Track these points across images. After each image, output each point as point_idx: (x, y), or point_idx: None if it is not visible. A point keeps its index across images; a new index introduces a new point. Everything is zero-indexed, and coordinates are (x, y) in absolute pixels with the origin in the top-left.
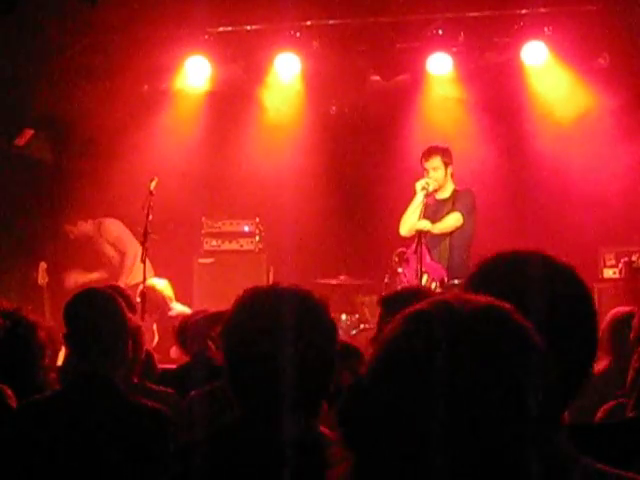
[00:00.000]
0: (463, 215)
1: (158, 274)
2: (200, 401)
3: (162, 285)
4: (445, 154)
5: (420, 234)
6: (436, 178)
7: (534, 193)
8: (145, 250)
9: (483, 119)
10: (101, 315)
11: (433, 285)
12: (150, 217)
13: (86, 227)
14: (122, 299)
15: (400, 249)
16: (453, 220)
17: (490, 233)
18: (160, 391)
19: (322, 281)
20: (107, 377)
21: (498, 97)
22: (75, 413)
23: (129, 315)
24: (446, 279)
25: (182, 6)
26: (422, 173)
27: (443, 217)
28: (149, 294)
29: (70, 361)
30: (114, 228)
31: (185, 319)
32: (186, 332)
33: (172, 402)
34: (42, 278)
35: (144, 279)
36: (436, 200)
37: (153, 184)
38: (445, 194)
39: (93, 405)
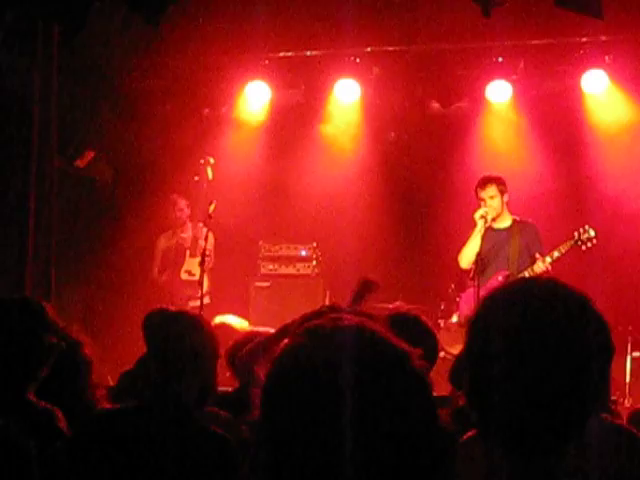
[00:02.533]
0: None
1: (215, 296)
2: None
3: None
4: (500, 182)
5: (477, 262)
6: (494, 207)
7: (594, 221)
8: (202, 272)
9: (542, 147)
10: (187, 335)
11: None
12: (211, 240)
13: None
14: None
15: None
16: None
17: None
18: (217, 414)
19: (378, 306)
20: (182, 400)
21: (558, 125)
22: (148, 431)
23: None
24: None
25: (243, 31)
26: (478, 204)
27: (505, 247)
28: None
29: (145, 377)
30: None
31: (236, 343)
32: (236, 358)
33: (229, 427)
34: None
35: (201, 304)
36: (494, 230)
37: (212, 207)
38: (504, 223)
39: (166, 426)
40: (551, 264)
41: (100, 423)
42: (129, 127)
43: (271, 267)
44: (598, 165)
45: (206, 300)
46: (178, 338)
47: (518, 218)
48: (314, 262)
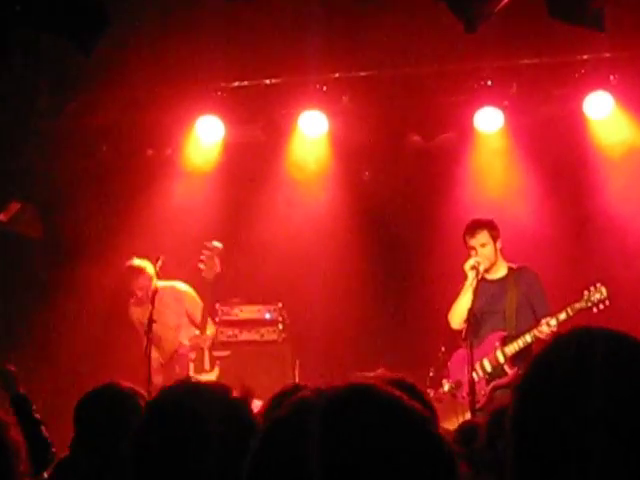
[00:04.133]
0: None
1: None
2: None
3: None
4: (492, 227)
5: (470, 319)
6: (486, 256)
7: (602, 265)
8: (149, 342)
9: (540, 182)
10: (116, 417)
11: (486, 364)
12: (156, 304)
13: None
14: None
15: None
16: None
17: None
18: None
19: (356, 375)
20: None
21: (557, 157)
22: None
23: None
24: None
25: (191, 59)
26: (468, 253)
27: (501, 301)
28: None
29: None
30: None
31: None
32: None
33: None
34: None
35: (149, 377)
36: (488, 282)
37: (158, 264)
38: (499, 274)
39: None
40: (557, 327)
41: None
42: (61, 174)
43: (230, 333)
44: (603, 198)
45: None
46: (105, 419)
47: (515, 266)
48: (280, 326)
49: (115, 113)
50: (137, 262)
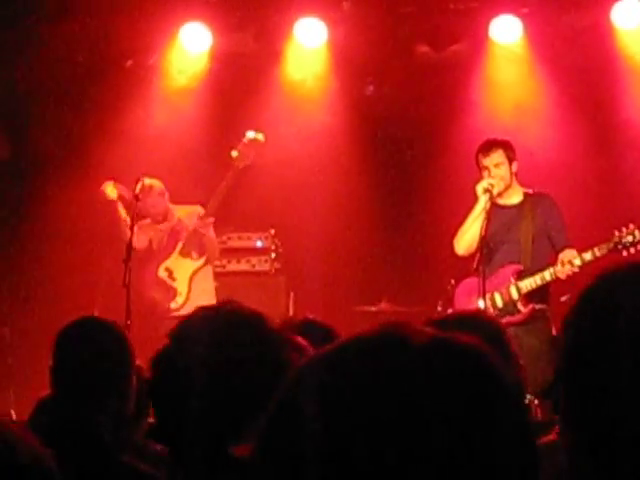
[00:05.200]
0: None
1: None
2: None
3: None
4: (507, 147)
5: (482, 248)
6: (501, 176)
7: (630, 191)
8: (129, 271)
9: (562, 100)
10: (99, 350)
11: (497, 298)
12: (136, 229)
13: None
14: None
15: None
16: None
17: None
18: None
19: (357, 309)
20: (93, 429)
21: (582, 71)
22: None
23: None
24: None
25: None
26: (480, 174)
27: (516, 229)
28: None
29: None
30: None
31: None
32: None
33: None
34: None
35: (128, 308)
36: (501, 207)
37: (139, 186)
38: (514, 199)
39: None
40: (580, 267)
41: None
42: (29, 85)
43: (218, 263)
44: (632, 117)
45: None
46: (84, 355)
47: (531, 191)
48: (273, 255)
49: (90, 18)
50: (148, 180)
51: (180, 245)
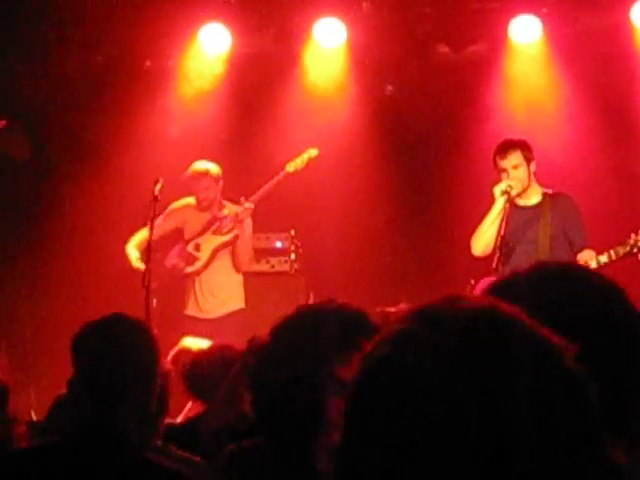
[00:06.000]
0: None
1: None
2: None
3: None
4: (525, 147)
5: (501, 248)
6: (519, 178)
7: None
8: (148, 272)
9: (581, 100)
10: (124, 347)
11: None
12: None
13: None
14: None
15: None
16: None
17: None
18: (186, 459)
19: (376, 310)
20: (120, 431)
21: (600, 71)
22: (74, 474)
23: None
24: None
25: None
26: (498, 176)
27: (533, 229)
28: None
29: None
30: None
31: (196, 359)
32: (198, 377)
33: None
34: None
35: (147, 309)
36: (520, 208)
37: (158, 187)
38: (532, 200)
39: (96, 464)
40: (596, 270)
41: (9, 466)
42: (49, 85)
43: None
44: None
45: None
46: (113, 353)
47: (550, 191)
48: (292, 256)
49: (109, 20)
50: (200, 164)
51: (216, 225)
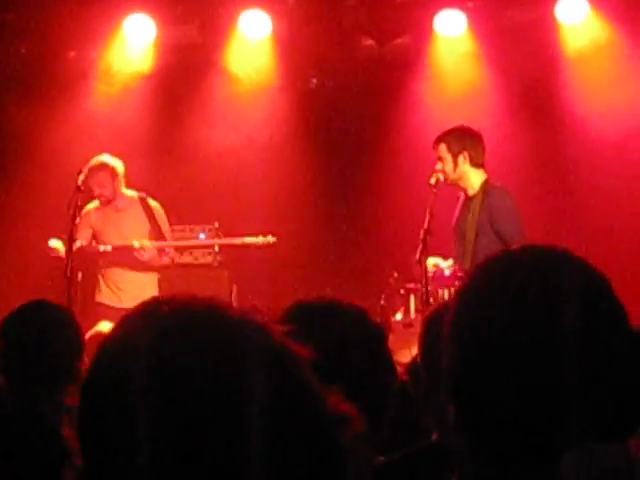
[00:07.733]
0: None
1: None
2: None
3: None
4: (451, 139)
5: (424, 240)
6: (443, 170)
7: (571, 182)
8: (70, 262)
9: (507, 92)
10: (48, 332)
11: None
12: (77, 220)
13: None
14: None
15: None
16: None
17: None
18: None
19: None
20: (43, 415)
21: (526, 65)
22: None
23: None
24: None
25: None
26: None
27: (463, 221)
28: None
29: None
30: None
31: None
32: None
33: None
34: None
35: (69, 299)
36: (467, 199)
37: (81, 178)
38: (471, 191)
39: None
40: None
41: None
42: None
43: None
44: (576, 109)
45: None
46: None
47: (497, 184)
48: (216, 248)
49: (32, 10)
50: (95, 160)
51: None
